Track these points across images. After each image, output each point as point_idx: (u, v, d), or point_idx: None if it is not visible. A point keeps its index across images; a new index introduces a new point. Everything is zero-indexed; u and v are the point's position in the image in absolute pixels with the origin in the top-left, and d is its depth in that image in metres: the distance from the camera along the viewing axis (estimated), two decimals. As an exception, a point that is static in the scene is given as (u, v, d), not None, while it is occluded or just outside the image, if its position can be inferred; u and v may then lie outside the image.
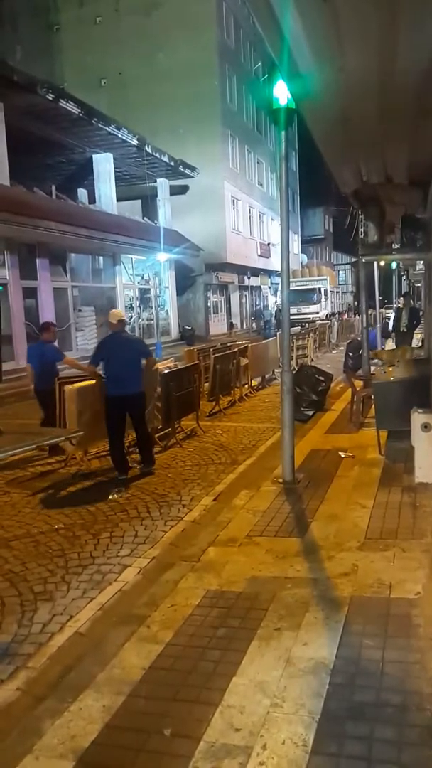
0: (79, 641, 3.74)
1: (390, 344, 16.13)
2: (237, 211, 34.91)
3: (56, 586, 4.48)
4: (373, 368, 10.99)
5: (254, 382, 13.53)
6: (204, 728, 2.86)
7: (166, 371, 8.79)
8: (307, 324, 26.24)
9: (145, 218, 28.19)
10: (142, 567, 4.69)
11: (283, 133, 6.32)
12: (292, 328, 7.89)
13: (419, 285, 27.64)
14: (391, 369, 8.61)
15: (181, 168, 27.54)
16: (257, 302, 40.90)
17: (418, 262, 18.22)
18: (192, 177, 28.84)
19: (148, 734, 2.86)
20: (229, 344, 15.01)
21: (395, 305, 18.47)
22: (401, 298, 19.10)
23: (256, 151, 38.84)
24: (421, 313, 16.02)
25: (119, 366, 7.02)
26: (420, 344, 14.74)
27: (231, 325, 35.24)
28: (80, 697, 3.15)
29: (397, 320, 16.19)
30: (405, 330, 15.58)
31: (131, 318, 24.32)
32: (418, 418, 5.93)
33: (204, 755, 2.70)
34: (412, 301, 19.12)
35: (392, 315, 18.25)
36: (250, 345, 13.43)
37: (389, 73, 3.32)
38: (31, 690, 3.27)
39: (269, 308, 40.72)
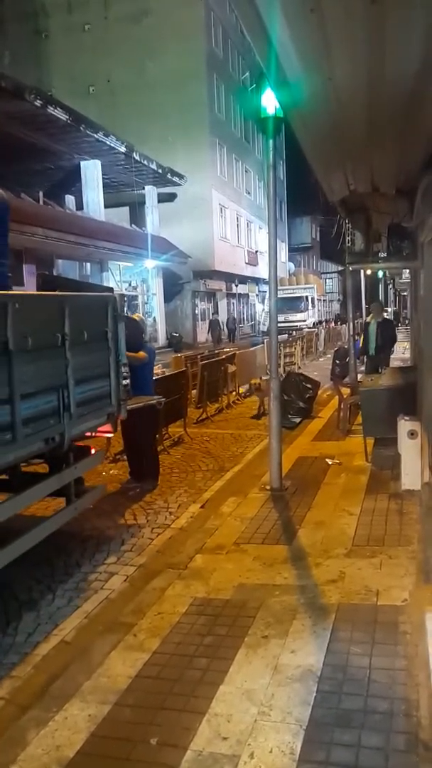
0: (64, 650, 3.70)
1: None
2: (225, 219, 35.06)
3: (41, 594, 4.43)
4: (359, 376, 11.04)
5: (241, 390, 13.54)
6: (191, 737, 2.83)
7: (154, 378, 8.77)
8: (294, 332, 26.35)
9: (132, 225, 28.21)
10: (128, 575, 4.66)
11: (271, 141, 6.36)
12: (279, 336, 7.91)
13: (405, 293, 27.91)
14: (377, 377, 8.66)
15: (168, 176, 27.64)
16: (212, 310, 35.76)
17: (404, 270, 17.94)
18: (180, 185, 28.94)
19: (134, 744, 2.83)
20: (216, 351, 15.02)
21: (364, 320, 13.35)
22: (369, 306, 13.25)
23: (244, 160, 39.07)
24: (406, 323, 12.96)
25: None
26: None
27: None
28: (65, 706, 3.12)
29: (365, 340, 11.49)
30: (374, 353, 11.18)
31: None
32: (404, 425, 5.95)
33: (191, 764, 2.67)
34: (385, 309, 14.65)
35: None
36: (237, 352, 13.45)
37: (377, 82, 3.35)
38: (16, 699, 3.23)
39: (229, 315, 36.99)
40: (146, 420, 6.68)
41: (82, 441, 5.28)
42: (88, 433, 5.25)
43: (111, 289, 5.52)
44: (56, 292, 4.92)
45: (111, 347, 5.10)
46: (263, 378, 11.15)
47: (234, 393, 12.82)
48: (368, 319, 12.20)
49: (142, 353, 6.65)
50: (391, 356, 12.12)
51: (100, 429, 5.38)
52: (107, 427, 5.45)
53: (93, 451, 5.35)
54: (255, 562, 4.71)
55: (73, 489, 4.89)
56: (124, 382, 5.26)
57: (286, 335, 22.56)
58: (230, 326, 35.51)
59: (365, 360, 11.60)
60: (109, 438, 7.32)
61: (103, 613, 4.11)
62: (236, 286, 38.72)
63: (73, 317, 4.42)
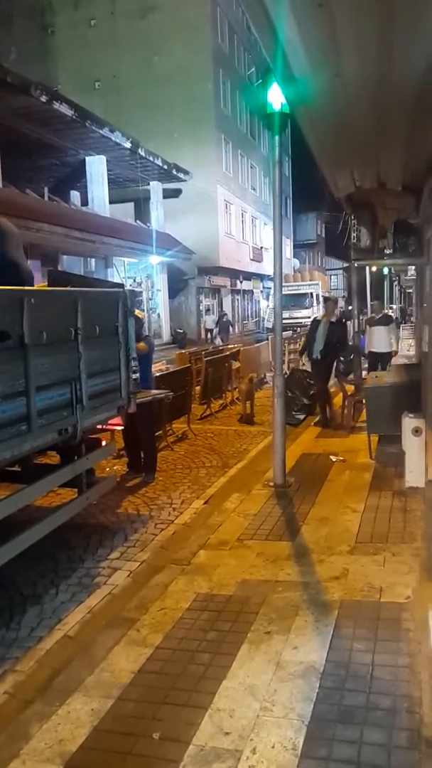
0: (67, 644, 3.71)
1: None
2: (230, 215, 34.98)
3: (45, 589, 4.45)
4: (364, 373, 11.01)
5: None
6: (193, 732, 2.84)
7: (158, 374, 8.78)
8: (299, 328, 26.26)
9: (137, 221, 28.18)
10: (132, 570, 4.67)
11: (276, 137, 6.33)
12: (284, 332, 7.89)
13: (410, 291, 27.81)
14: (382, 374, 8.64)
15: (174, 171, 27.59)
16: (220, 308, 33.55)
17: (409, 267, 17.87)
18: (185, 180, 28.89)
19: (136, 738, 2.84)
20: (220, 347, 15.00)
21: (315, 317, 11.76)
22: (328, 302, 10.97)
23: (250, 156, 38.97)
24: (388, 324, 10.75)
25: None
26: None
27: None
28: (68, 700, 3.13)
29: (310, 341, 9.67)
30: (319, 357, 9.41)
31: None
32: (408, 422, 5.94)
33: (193, 759, 2.68)
34: (390, 307, 13.23)
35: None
36: (241, 348, 13.44)
37: (385, 79, 3.34)
38: (19, 693, 3.24)
39: (222, 314, 33.30)
40: (146, 413, 6.75)
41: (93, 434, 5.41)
42: (99, 426, 5.37)
43: (121, 285, 5.63)
44: (69, 288, 5.01)
45: (121, 341, 5.24)
46: (246, 378, 11.08)
47: (237, 389, 12.81)
48: (319, 317, 10.43)
49: (142, 344, 6.76)
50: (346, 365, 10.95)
51: (111, 422, 5.53)
52: (117, 419, 5.59)
53: (104, 443, 5.52)
54: (258, 558, 4.72)
55: (85, 480, 5.05)
56: (134, 375, 5.42)
57: (291, 332, 22.50)
58: (223, 326, 30.97)
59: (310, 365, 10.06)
60: (113, 434, 7.41)
61: (107, 608, 4.13)
62: (241, 282, 38.62)
63: (86, 312, 4.54)
